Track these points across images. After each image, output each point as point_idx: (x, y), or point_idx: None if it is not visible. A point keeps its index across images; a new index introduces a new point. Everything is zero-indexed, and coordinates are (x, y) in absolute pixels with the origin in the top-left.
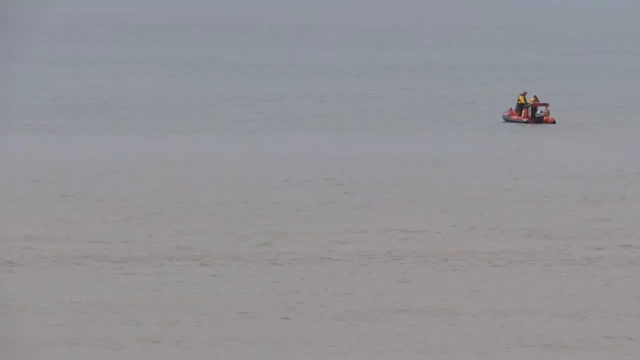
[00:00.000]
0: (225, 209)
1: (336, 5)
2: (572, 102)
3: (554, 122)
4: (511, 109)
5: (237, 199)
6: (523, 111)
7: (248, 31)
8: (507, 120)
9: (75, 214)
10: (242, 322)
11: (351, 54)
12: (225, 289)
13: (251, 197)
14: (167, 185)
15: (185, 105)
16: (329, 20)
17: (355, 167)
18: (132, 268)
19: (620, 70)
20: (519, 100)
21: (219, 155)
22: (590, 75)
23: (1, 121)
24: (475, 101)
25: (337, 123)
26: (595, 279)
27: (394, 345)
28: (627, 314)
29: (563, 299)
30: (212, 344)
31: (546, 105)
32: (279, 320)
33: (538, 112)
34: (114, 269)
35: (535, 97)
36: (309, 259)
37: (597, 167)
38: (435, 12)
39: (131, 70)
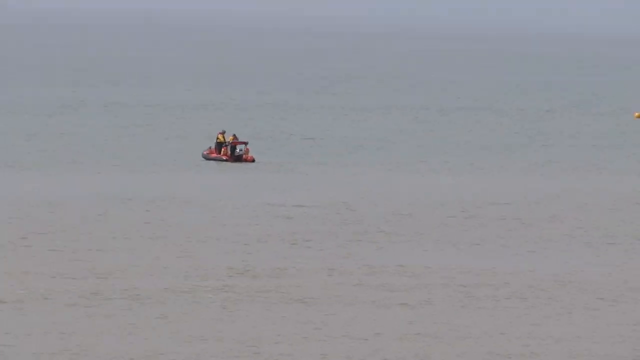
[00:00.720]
0: None
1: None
2: (272, 140)
3: (253, 161)
4: (210, 147)
5: None
6: (222, 149)
7: None
8: (206, 158)
9: None
10: None
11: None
12: None
13: None
14: None
15: None
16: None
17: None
18: None
19: (319, 109)
20: (217, 138)
21: None
22: (295, 114)
23: None
24: (172, 138)
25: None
26: (307, 316)
27: None
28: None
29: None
30: None
31: (245, 143)
32: None
33: (237, 150)
34: None
35: (234, 135)
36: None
37: (299, 203)
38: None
39: None
